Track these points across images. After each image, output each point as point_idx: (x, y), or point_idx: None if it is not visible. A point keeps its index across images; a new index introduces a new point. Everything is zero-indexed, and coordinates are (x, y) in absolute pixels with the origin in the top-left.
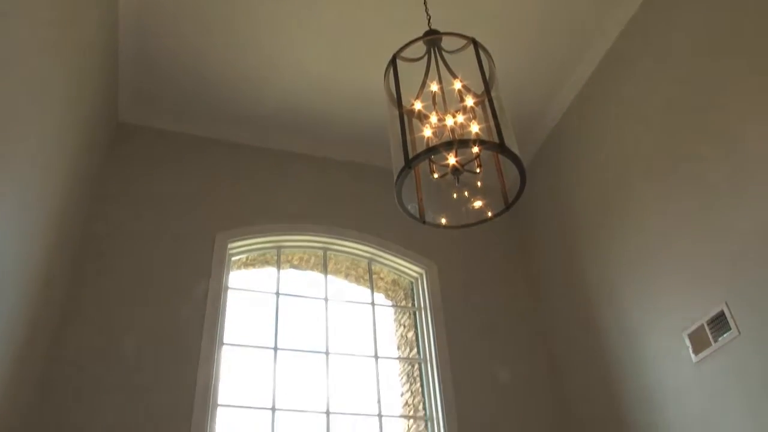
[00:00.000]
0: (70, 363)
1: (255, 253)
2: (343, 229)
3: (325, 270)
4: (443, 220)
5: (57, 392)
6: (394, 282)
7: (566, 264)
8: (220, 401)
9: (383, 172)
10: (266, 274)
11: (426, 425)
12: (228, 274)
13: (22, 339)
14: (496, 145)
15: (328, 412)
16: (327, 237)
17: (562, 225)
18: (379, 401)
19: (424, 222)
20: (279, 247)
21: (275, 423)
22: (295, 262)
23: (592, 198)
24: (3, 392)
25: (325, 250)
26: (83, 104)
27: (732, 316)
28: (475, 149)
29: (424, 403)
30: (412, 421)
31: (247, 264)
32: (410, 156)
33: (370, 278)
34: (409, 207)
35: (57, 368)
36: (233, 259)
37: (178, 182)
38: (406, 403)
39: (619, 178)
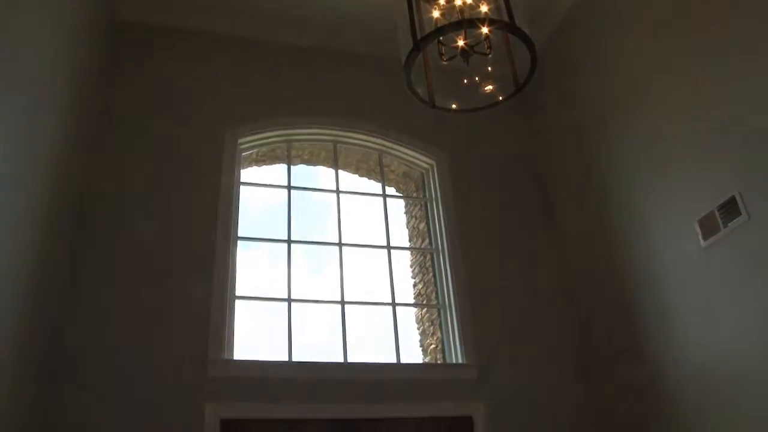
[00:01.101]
0: (91, 244)
1: (265, 148)
2: (353, 121)
3: (335, 164)
4: (453, 105)
5: (83, 271)
6: (405, 174)
7: (577, 154)
8: (237, 293)
9: (393, 64)
10: (277, 170)
11: (439, 313)
12: (239, 169)
13: (41, 226)
14: (506, 25)
15: (342, 302)
16: (337, 130)
17: (573, 116)
18: (392, 290)
19: (433, 106)
20: (289, 141)
21: (291, 314)
22: (306, 157)
23: (603, 89)
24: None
25: (335, 143)
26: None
27: (743, 201)
28: (485, 30)
29: (436, 293)
30: (425, 310)
31: (258, 160)
32: (419, 37)
33: (380, 171)
34: (419, 91)
35: (80, 250)
36: (243, 154)
37: (183, 80)
38: (419, 293)
39: (631, 69)
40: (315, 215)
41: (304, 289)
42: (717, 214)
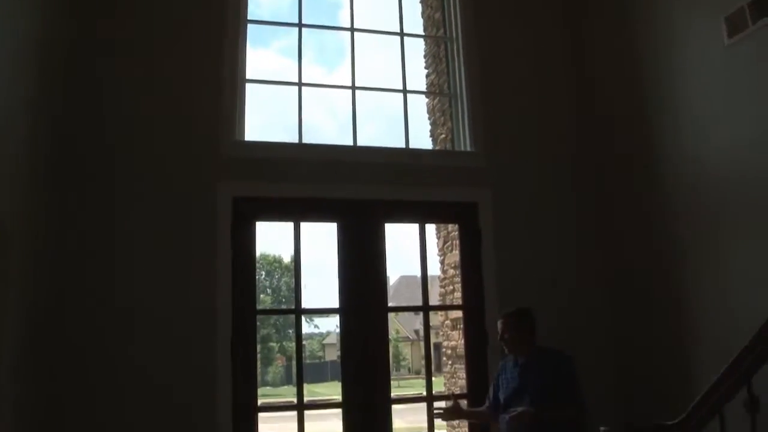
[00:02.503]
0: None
1: None
2: None
3: None
4: None
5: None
6: None
7: None
8: (248, 76)
9: None
10: None
11: (450, 103)
12: None
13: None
14: None
15: (353, 87)
16: None
17: None
18: (404, 78)
19: None
20: None
21: (302, 100)
22: None
23: None
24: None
25: None
26: None
27: None
28: None
29: (448, 83)
30: (436, 100)
31: None
32: None
33: None
34: None
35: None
36: None
37: None
38: (432, 83)
39: None
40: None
41: (316, 82)
42: (747, 9)
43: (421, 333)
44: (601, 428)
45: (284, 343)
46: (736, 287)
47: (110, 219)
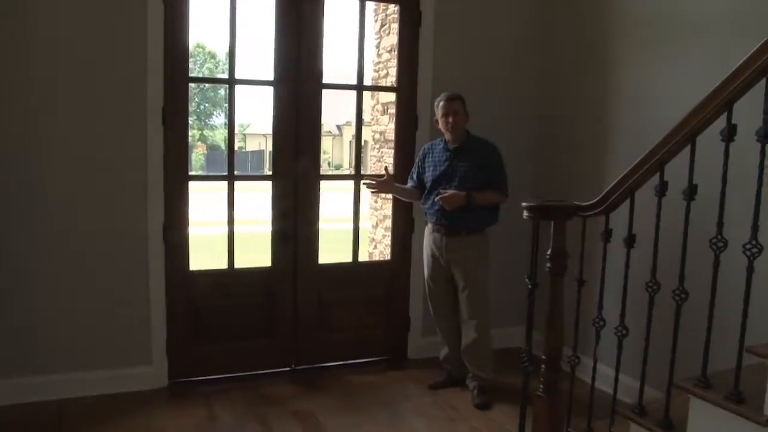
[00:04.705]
0: None
1: None
2: None
3: None
4: None
5: None
6: None
7: None
8: None
9: None
10: None
11: None
12: None
13: None
14: None
15: None
16: None
17: None
18: None
19: None
20: None
21: None
22: None
23: None
24: None
25: None
26: None
27: None
28: None
29: None
30: None
31: None
32: None
33: None
34: None
35: None
36: None
37: None
38: None
39: None
40: None
41: None
42: None
43: (344, 129)
44: (523, 203)
45: (204, 132)
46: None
47: None
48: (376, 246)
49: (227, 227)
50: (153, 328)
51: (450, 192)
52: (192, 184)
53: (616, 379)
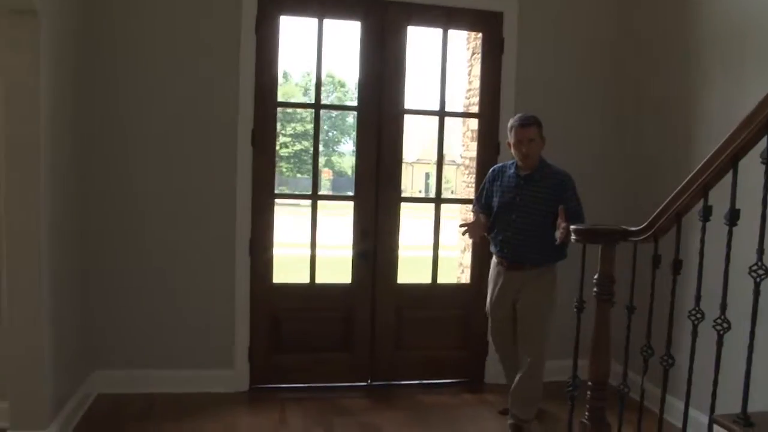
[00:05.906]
0: None
1: None
2: None
3: None
4: None
5: None
6: None
7: None
8: None
9: None
10: None
11: None
12: None
13: None
14: None
15: None
16: None
17: None
18: None
19: None
20: None
21: None
22: None
23: None
24: None
25: None
26: None
27: None
28: None
29: None
30: None
31: None
32: None
33: None
34: None
35: None
36: None
37: None
38: None
39: None
40: None
41: None
42: None
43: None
44: (571, 226)
45: (332, 158)
46: None
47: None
48: (463, 271)
49: (309, 240)
50: (237, 335)
51: (563, 225)
52: (280, 209)
53: (662, 410)
